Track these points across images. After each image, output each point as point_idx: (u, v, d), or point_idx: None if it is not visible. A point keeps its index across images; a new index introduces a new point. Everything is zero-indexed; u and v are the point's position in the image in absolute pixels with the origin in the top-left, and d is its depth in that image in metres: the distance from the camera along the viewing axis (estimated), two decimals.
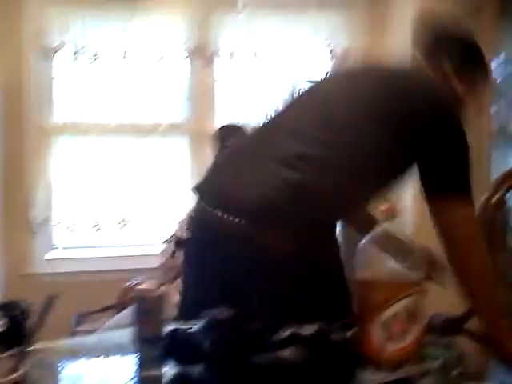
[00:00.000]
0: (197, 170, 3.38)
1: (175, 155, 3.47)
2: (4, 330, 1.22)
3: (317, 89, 1.72)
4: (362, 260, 1.11)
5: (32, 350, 1.29)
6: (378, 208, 1.12)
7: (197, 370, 1.16)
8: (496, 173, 3.10)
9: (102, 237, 3.37)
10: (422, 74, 1.69)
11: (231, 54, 3.44)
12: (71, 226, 3.32)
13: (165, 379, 1.17)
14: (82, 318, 2.80)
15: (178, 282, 2.53)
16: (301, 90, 1.72)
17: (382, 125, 1.50)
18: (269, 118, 1.70)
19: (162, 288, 2.51)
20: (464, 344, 1.86)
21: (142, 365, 1.23)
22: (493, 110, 3.18)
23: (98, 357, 1.41)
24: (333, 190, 1.41)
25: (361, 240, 1.14)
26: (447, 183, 1.45)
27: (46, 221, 3.29)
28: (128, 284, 2.71)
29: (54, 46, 3.26)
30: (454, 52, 1.70)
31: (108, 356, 1.43)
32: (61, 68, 3.32)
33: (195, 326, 1.17)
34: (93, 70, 3.33)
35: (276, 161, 1.46)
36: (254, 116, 3.40)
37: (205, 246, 1.56)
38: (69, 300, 2.87)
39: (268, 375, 0.97)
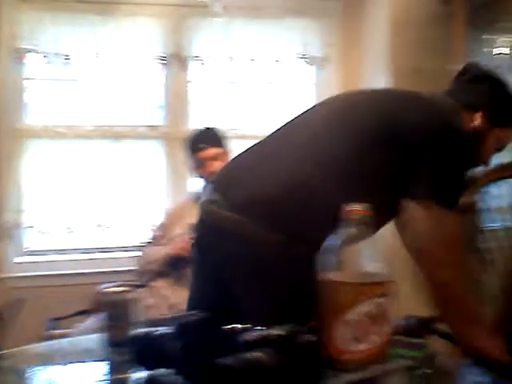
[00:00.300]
0: (171, 173, 3.37)
1: (150, 159, 3.46)
2: None
3: (314, 111, 1.75)
4: (328, 261, 1.12)
5: (2, 355, 1.28)
6: (344, 208, 1.12)
7: (166, 373, 1.16)
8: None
9: (75, 240, 3.34)
10: (421, 94, 1.69)
11: (206, 59, 3.44)
12: (43, 230, 3.29)
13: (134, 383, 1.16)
14: (54, 322, 2.77)
15: (152, 286, 2.53)
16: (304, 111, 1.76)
17: (374, 145, 1.53)
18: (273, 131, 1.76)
19: (137, 291, 2.53)
20: (435, 344, 1.89)
21: (112, 369, 1.22)
22: None
23: (69, 362, 1.40)
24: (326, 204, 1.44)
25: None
26: (438, 191, 1.47)
27: (18, 225, 3.25)
28: (101, 288, 2.69)
29: (27, 48, 3.23)
30: (491, 98, 1.69)
31: (79, 361, 1.42)
32: (34, 71, 3.30)
33: (165, 330, 1.17)
34: (66, 73, 3.30)
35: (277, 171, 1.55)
36: (227, 121, 3.43)
37: (202, 243, 1.65)
38: (41, 304, 2.87)
39: (236, 377, 0.97)
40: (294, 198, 1.52)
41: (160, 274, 2.55)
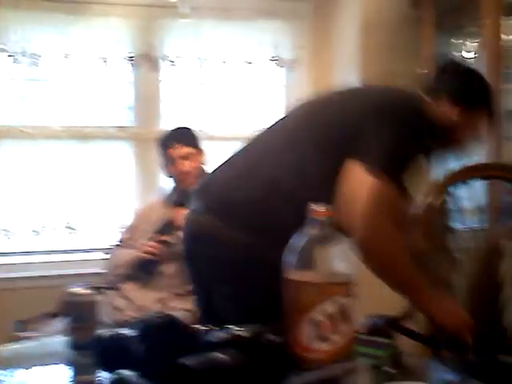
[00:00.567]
0: (141, 175, 3.35)
1: (119, 160, 3.43)
2: None
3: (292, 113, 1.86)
4: (292, 261, 1.12)
5: None
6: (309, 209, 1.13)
7: (131, 374, 1.15)
8: (435, 175, 3.19)
9: (42, 242, 3.30)
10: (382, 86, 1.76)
11: (176, 60, 3.42)
12: (10, 232, 3.24)
13: None
14: (21, 324, 2.74)
15: (121, 288, 2.51)
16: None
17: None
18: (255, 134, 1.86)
19: (104, 293, 2.51)
20: (401, 343, 1.91)
21: (76, 371, 1.21)
22: None
23: (34, 365, 1.38)
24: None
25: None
26: (384, 161, 1.54)
27: None
28: (68, 290, 2.66)
29: None
30: (454, 82, 1.77)
31: (45, 364, 1.41)
32: (1, 71, 3.25)
33: (129, 331, 1.16)
34: (34, 73, 3.27)
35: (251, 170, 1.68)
36: (197, 122, 3.42)
37: (186, 249, 1.80)
38: (8, 306, 2.83)
39: (200, 378, 0.97)
40: (265, 200, 1.59)
41: (128, 276, 2.53)
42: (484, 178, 2.24)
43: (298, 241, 1.13)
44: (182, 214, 2.40)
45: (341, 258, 1.13)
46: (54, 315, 2.56)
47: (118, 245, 2.70)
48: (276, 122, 1.84)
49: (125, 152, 3.42)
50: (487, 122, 1.83)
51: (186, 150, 2.60)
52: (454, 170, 2.18)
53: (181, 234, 2.43)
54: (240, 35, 3.51)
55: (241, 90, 3.60)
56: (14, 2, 3.18)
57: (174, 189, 2.66)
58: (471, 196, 2.19)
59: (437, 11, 3.09)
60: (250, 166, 1.70)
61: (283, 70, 3.58)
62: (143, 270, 2.49)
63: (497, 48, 2.82)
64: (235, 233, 1.61)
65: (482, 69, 2.88)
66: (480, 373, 1.40)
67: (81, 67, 3.30)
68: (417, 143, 1.63)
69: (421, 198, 2.18)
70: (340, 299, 1.07)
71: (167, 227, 2.50)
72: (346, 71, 3.36)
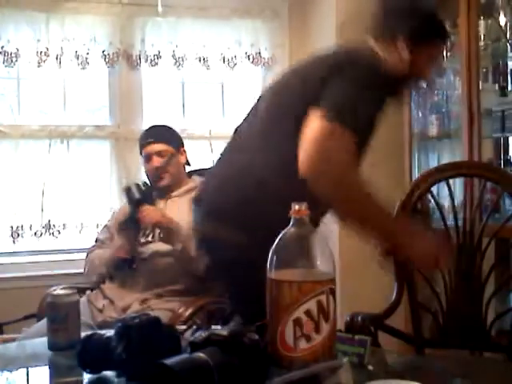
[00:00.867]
0: (120, 174, 3.33)
1: (97, 159, 3.41)
2: None
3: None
4: (273, 260, 1.12)
5: None
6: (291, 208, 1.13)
7: (111, 375, 1.15)
8: (416, 173, 3.22)
9: (21, 243, 3.27)
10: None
11: (154, 59, 3.41)
12: None
13: None
14: (1, 326, 2.71)
15: (102, 288, 2.50)
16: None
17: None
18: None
19: (86, 294, 2.49)
20: (383, 341, 1.92)
21: (56, 373, 1.21)
22: (414, 114, 3.29)
23: (15, 368, 1.36)
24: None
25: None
26: (337, 108, 1.55)
27: None
28: (49, 291, 2.65)
29: None
30: (404, 20, 1.76)
31: (25, 366, 1.39)
32: None
33: (110, 332, 1.16)
34: (10, 71, 3.23)
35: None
36: (176, 120, 3.42)
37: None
38: None
39: (180, 378, 0.97)
40: (255, 202, 1.66)
41: (107, 276, 2.52)
42: (463, 176, 2.26)
43: (279, 240, 1.13)
44: (143, 211, 2.40)
45: (322, 256, 1.13)
46: (35, 317, 2.54)
47: (95, 245, 2.69)
48: (250, 113, 1.86)
49: (103, 151, 3.40)
50: (442, 50, 1.86)
51: (159, 146, 2.59)
52: (434, 168, 2.20)
53: (154, 231, 2.45)
54: (217, 34, 3.51)
55: (219, 89, 3.60)
56: None
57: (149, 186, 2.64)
58: (451, 194, 2.20)
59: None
60: (237, 170, 1.75)
61: (261, 68, 3.58)
62: (118, 269, 2.48)
63: (475, 47, 2.85)
64: (231, 235, 1.66)
65: (460, 68, 2.92)
66: None
67: (57, 65, 3.26)
68: (374, 93, 1.63)
69: (401, 196, 2.19)
70: (319, 297, 1.07)
71: (130, 224, 2.48)
72: None
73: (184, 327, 1.25)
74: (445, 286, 2.14)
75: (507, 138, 3.03)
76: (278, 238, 1.13)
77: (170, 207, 2.54)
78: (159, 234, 2.45)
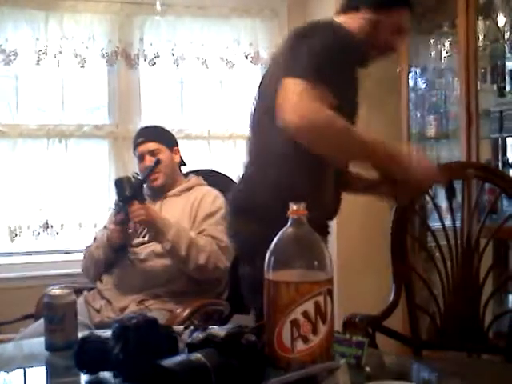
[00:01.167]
0: (117, 173, 3.32)
1: (96, 158, 3.41)
2: None
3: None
4: (272, 260, 1.12)
5: None
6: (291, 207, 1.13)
7: (108, 376, 1.14)
8: None
9: (19, 243, 3.26)
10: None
11: (153, 58, 3.41)
12: None
13: None
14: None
15: (100, 288, 2.50)
16: None
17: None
18: None
19: (84, 295, 2.49)
20: (381, 343, 1.92)
21: (53, 373, 1.20)
22: (412, 114, 3.30)
23: (12, 368, 1.36)
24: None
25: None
26: (306, 69, 1.62)
27: None
28: (46, 291, 2.64)
29: None
30: None
31: (23, 366, 1.39)
32: None
33: (107, 333, 1.15)
34: (8, 70, 3.23)
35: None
36: (174, 120, 3.42)
37: None
38: None
39: (177, 378, 0.97)
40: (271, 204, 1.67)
41: (104, 271, 2.52)
42: (461, 177, 2.26)
43: (277, 241, 1.13)
44: (132, 206, 2.39)
45: (319, 257, 1.13)
46: (32, 317, 2.53)
47: (93, 244, 2.68)
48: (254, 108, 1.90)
49: (101, 150, 3.40)
50: (406, 17, 1.89)
51: (151, 145, 2.59)
52: None
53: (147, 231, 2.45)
54: (216, 33, 3.51)
55: (218, 88, 3.59)
56: None
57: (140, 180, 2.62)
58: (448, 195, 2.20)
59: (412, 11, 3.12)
60: (256, 169, 1.85)
61: (259, 67, 3.57)
62: (114, 253, 2.48)
63: (473, 48, 2.85)
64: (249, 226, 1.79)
65: (458, 68, 2.92)
66: None
67: (56, 64, 3.26)
68: (338, 54, 1.67)
69: None
70: (317, 298, 1.07)
71: (122, 219, 2.48)
72: None
73: (181, 328, 1.24)
74: (442, 287, 2.14)
75: (505, 138, 3.03)
76: (276, 238, 1.13)
77: (166, 207, 2.54)
78: (148, 232, 2.45)
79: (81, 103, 3.41)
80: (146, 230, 2.45)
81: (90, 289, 2.56)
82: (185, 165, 2.75)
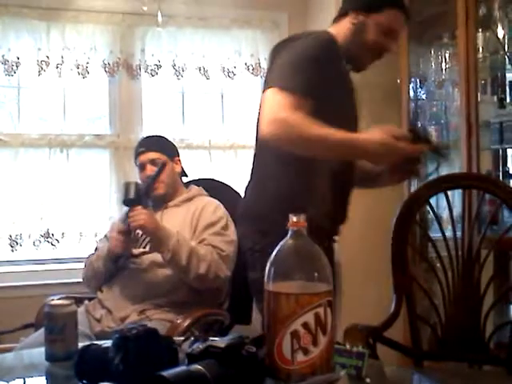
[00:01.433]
0: (118, 183, 3.33)
1: (97, 168, 3.42)
2: None
3: None
4: (272, 271, 1.12)
5: None
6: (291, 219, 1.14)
7: None
8: (415, 184, 3.22)
9: (20, 252, 3.26)
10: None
11: (154, 68, 3.43)
12: None
13: None
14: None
15: (101, 298, 2.50)
16: None
17: None
18: None
19: (85, 304, 2.48)
20: (381, 354, 1.92)
21: (53, 383, 1.20)
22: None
23: (12, 378, 1.36)
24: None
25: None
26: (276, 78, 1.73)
27: None
28: (47, 301, 2.64)
29: None
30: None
31: (23, 376, 1.39)
32: None
33: (106, 343, 1.15)
34: (10, 80, 3.25)
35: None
36: (175, 130, 3.42)
37: None
38: None
39: None
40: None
41: (104, 280, 2.52)
42: (462, 187, 2.26)
43: (277, 252, 1.13)
44: (132, 212, 2.39)
45: (319, 269, 1.13)
46: (33, 326, 2.53)
47: (94, 253, 2.68)
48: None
49: (103, 160, 3.41)
50: (402, 19, 1.92)
51: (152, 154, 2.60)
52: (432, 180, 2.20)
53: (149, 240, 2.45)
54: (217, 44, 3.53)
55: (219, 99, 3.61)
56: None
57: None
58: (449, 205, 2.20)
59: (412, 22, 3.13)
60: (256, 180, 1.96)
61: (260, 78, 3.58)
62: (114, 264, 2.48)
63: (473, 59, 2.86)
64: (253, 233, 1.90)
65: (459, 80, 2.93)
66: None
67: (57, 74, 3.27)
68: (316, 63, 1.72)
69: (400, 208, 2.20)
70: (317, 310, 1.07)
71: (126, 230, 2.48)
72: None
73: (182, 338, 1.24)
74: (443, 298, 2.14)
75: (505, 149, 3.04)
76: (276, 249, 1.14)
77: (167, 217, 2.54)
78: (148, 241, 2.45)
79: (82, 113, 3.42)
80: (147, 239, 2.45)
81: (91, 298, 2.55)
82: (186, 176, 2.76)
